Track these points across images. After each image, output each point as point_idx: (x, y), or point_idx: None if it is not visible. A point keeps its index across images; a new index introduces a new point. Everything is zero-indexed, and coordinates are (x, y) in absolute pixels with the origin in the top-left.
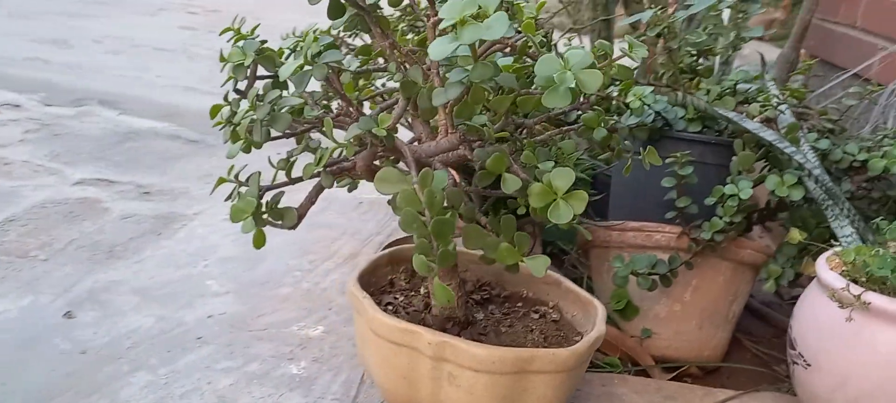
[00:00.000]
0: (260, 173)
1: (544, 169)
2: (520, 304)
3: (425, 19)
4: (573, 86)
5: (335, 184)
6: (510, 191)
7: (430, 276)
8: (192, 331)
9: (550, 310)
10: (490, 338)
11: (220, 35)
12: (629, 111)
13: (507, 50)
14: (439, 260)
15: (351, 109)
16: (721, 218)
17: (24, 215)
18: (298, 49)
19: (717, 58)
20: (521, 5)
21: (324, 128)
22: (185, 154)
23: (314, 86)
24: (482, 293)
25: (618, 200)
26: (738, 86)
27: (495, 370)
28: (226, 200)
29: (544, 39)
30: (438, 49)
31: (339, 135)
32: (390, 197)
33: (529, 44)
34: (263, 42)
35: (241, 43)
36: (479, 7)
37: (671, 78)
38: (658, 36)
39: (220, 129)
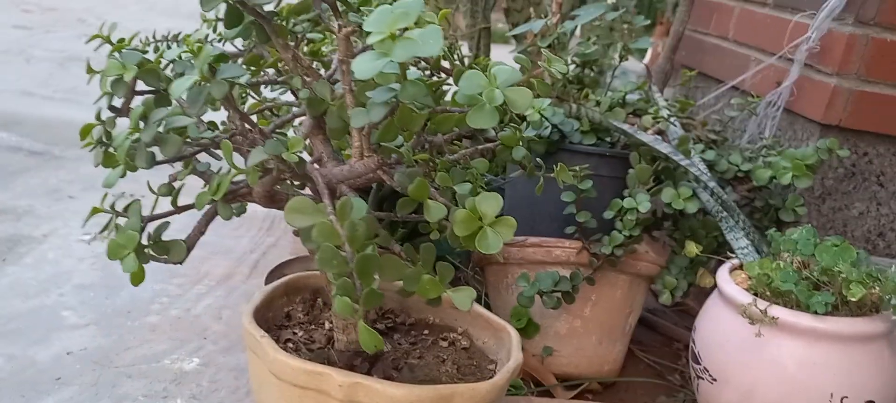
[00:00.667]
0: (140, 201)
1: (462, 192)
2: (426, 332)
3: (331, 30)
4: (501, 104)
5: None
6: (434, 219)
7: (355, 319)
8: (48, 371)
9: (460, 337)
10: (403, 374)
11: (88, 43)
12: (526, 124)
13: (421, 63)
14: (364, 301)
15: (250, 130)
16: (620, 232)
17: None
18: (183, 61)
19: (611, 69)
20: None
21: (220, 151)
22: (28, 167)
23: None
24: (386, 321)
25: (513, 214)
26: (627, 98)
27: None
28: (101, 232)
29: (457, 52)
30: (365, 66)
31: (237, 158)
32: (299, 228)
33: (443, 57)
34: (144, 52)
35: (119, 54)
36: (415, 20)
37: (560, 89)
38: (549, 46)
39: (91, 150)
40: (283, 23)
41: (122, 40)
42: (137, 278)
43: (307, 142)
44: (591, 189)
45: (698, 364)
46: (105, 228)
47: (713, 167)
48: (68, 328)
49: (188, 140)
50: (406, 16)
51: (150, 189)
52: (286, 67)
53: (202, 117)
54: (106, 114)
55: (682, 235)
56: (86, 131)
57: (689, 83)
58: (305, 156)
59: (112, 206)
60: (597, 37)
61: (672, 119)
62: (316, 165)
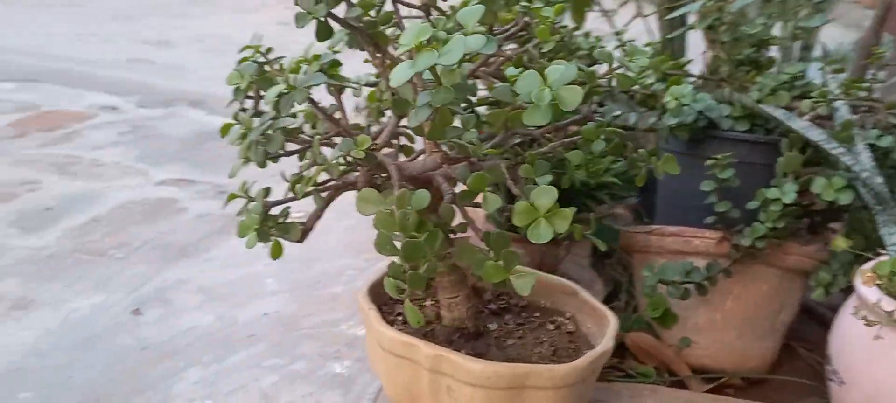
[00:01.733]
0: (269, 189)
1: (541, 184)
2: (537, 314)
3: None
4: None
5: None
6: (490, 210)
7: (404, 298)
8: (245, 329)
9: (567, 322)
10: (491, 352)
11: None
12: (664, 111)
13: (502, 63)
14: (409, 283)
15: (338, 129)
16: (762, 223)
17: (107, 215)
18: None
19: (795, 46)
20: (540, 10)
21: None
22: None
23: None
24: (500, 302)
25: (665, 203)
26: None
27: (491, 385)
28: (237, 216)
29: (561, 42)
30: (397, 75)
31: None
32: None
33: (527, 57)
34: (264, 63)
35: (239, 65)
36: (432, 34)
37: (728, 73)
38: (709, 28)
39: (232, 145)
40: (378, 31)
41: (245, 50)
42: (275, 251)
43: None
44: (733, 177)
45: (830, 365)
46: (240, 211)
47: (889, 154)
48: (267, 294)
49: (297, 138)
50: (426, 31)
51: (283, 177)
52: (376, 71)
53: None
54: (242, 116)
55: (847, 229)
56: (224, 130)
57: (878, 60)
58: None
59: (246, 192)
60: (768, 15)
61: (838, 102)
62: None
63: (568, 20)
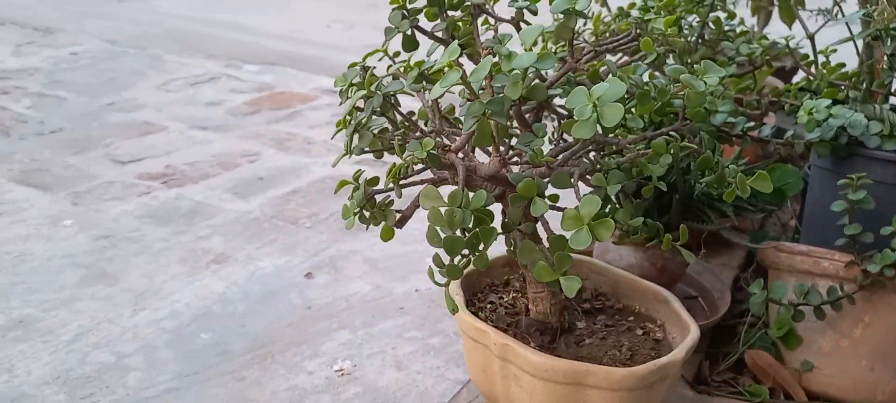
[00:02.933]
0: (376, 178)
1: (611, 192)
2: (631, 318)
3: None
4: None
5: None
6: (538, 215)
7: (444, 287)
8: (397, 301)
9: (657, 329)
10: (560, 348)
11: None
12: (796, 122)
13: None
14: (448, 272)
15: (415, 130)
16: (893, 250)
17: (306, 187)
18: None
19: None
20: (651, 18)
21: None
22: None
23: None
24: (596, 302)
25: (811, 219)
26: None
27: (548, 378)
28: (348, 199)
29: (660, 54)
30: (435, 90)
31: None
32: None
33: (599, 66)
34: (368, 68)
35: (349, 70)
36: (450, 57)
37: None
38: (875, 38)
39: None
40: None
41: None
42: (386, 234)
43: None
44: (867, 199)
45: None
46: (350, 197)
47: None
48: (424, 272)
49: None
50: (454, 52)
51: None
52: None
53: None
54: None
55: None
56: (340, 125)
57: None
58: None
59: (356, 178)
60: None
61: None
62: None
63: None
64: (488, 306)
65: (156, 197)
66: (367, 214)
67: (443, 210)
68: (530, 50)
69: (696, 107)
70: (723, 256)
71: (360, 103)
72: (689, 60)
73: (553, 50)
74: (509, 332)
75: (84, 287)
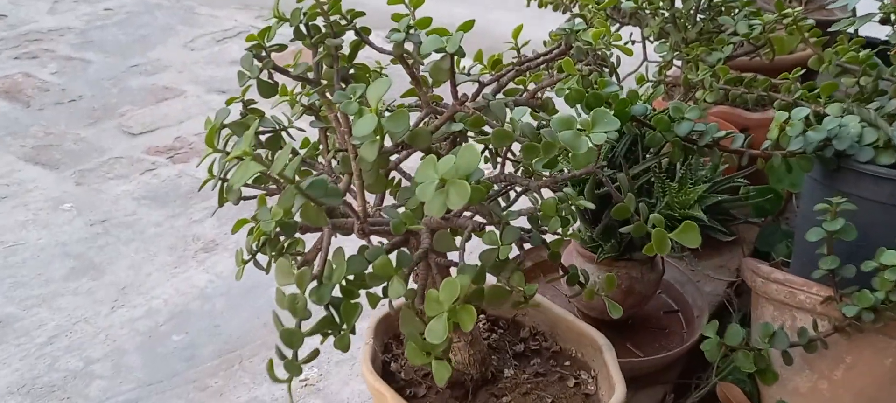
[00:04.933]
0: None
1: (503, 252)
2: (567, 364)
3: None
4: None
5: None
6: (394, 298)
7: (285, 383)
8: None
9: (590, 381)
10: None
11: None
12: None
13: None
14: (287, 369)
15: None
16: (874, 291)
17: None
18: None
19: None
20: (580, 29)
21: None
22: None
23: None
24: (533, 343)
25: (802, 237)
26: None
27: None
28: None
29: (584, 76)
30: (236, 177)
31: None
32: None
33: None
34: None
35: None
36: (247, 144)
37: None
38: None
39: None
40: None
41: None
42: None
43: None
44: (848, 229)
45: None
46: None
47: None
48: None
49: None
50: (249, 140)
51: None
52: None
53: None
54: None
55: None
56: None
57: None
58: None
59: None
60: None
61: None
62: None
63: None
64: (401, 357)
65: (158, 174)
66: (265, 259)
67: (287, 291)
68: (375, 111)
69: (583, 166)
70: (724, 255)
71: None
72: (684, 37)
73: (470, 67)
74: (424, 385)
75: (70, 281)
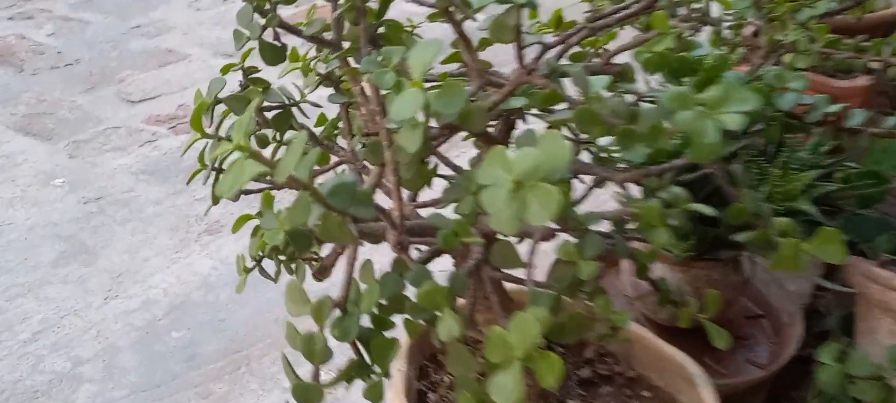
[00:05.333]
0: None
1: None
2: (645, 394)
3: None
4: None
5: None
6: (445, 339)
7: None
8: None
9: None
10: None
11: None
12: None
13: None
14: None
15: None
16: None
17: None
18: None
19: None
20: None
21: None
22: None
23: None
24: (600, 366)
25: None
26: None
27: None
28: None
29: (680, 35)
30: (223, 185)
31: None
32: None
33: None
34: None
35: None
36: (242, 131)
37: None
38: None
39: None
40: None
41: None
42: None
43: None
44: None
45: None
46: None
47: None
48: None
49: None
50: (243, 125)
51: None
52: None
53: None
54: None
55: None
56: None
57: None
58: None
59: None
60: None
61: None
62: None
63: None
64: (448, 378)
65: (159, 146)
66: (274, 267)
67: (300, 334)
68: (419, 85)
69: (708, 159)
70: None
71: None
72: None
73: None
74: None
75: (59, 266)
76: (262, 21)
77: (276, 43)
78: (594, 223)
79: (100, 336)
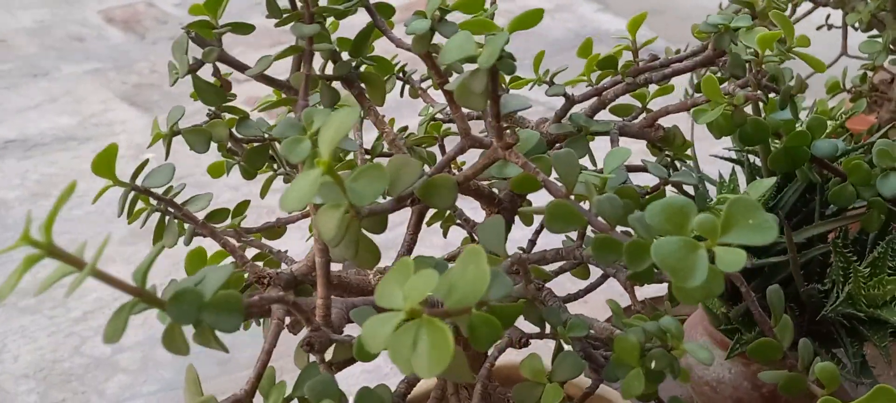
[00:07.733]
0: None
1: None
2: None
3: None
4: None
5: None
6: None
7: None
8: None
9: None
10: None
11: None
12: None
13: None
14: None
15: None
16: None
17: None
18: None
19: None
20: (741, 26)
21: None
22: None
23: None
24: None
25: None
26: None
27: None
28: None
29: (732, 105)
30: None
31: None
32: None
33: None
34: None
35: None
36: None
37: None
38: None
39: None
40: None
41: None
42: None
43: None
44: None
45: None
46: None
47: None
48: None
49: None
50: None
51: None
52: None
53: None
54: None
55: None
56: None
57: None
58: None
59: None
60: None
61: None
62: None
63: None
64: None
65: None
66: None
67: None
68: (326, 164)
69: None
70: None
71: None
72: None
73: (555, 72)
74: None
75: (127, 244)
76: (201, 53)
77: (215, 81)
78: (579, 332)
79: (145, 325)
